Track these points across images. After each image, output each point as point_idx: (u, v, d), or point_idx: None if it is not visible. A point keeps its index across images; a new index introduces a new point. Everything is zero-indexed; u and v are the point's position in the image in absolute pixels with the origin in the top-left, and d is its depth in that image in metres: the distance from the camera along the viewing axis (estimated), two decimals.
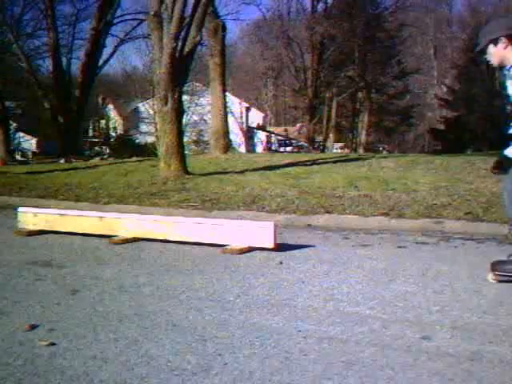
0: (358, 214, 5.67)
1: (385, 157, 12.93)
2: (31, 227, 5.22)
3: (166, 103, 8.87)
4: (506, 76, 3.16)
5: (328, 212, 5.86)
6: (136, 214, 5.47)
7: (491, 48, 3.20)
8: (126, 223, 4.88)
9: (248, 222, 4.73)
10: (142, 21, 22.79)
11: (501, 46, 3.13)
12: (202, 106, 28.65)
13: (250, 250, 4.28)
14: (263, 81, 43.67)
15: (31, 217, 5.28)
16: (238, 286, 3.31)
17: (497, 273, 3.24)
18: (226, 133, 15.41)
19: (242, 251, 4.25)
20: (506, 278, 3.18)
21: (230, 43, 27.97)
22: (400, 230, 5.14)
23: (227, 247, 4.32)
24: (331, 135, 35.53)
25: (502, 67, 3.23)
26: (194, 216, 5.67)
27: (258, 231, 4.30)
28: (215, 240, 4.47)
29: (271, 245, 4.22)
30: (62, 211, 5.42)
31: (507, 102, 3.22)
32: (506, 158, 3.19)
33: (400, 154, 21.93)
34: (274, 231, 4.23)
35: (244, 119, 36.91)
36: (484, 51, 3.24)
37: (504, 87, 3.19)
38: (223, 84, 15.28)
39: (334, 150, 33.57)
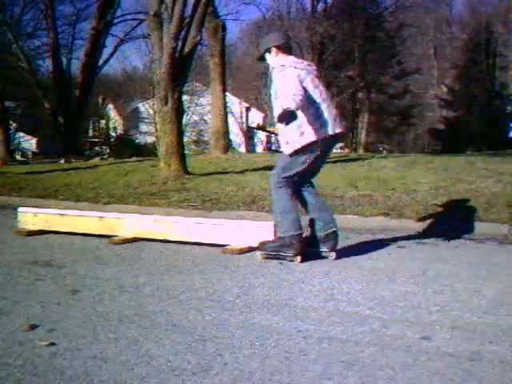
0: (358, 214, 5.67)
1: (385, 157, 12.93)
2: (31, 227, 5.22)
3: (166, 103, 8.86)
4: (272, 72, 4.08)
5: None
6: (136, 213, 5.47)
7: (267, 56, 4.15)
8: (126, 223, 4.88)
9: (248, 221, 4.73)
10: (141, 21, 22.78)
11: (273, 53, 4.10)
12: (201, 106, 28.66)
13: (250, 250, 4.28)
14: (263, 81, 43.63)
15: (31, 217, 5.28)
16: (238, 285, 3.31)
17: (262, 252, 4.06)
18: (226, 133, 15.41)
19: (242, 251, 4.25)
20: (266, 255, 4.02)
21: (230, 43, 27.97)
22: (400, 230, 5.14)
23: (227, 247, 4.32)
24: None
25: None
26: (194, 216, 5.66)
27: (258, 231, 4.30)
28: (215, 240, 4.47)
29: None
30: (62, 211, 5.42)
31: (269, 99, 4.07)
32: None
33: (400, 153, 21.93)
34: (275, 231, 4.23)
35: (244, 119, 36.90)
36: (263, 58, 4.19)
37: (269, 85, 4.10)
38: (223, 84, 15.28)
39: (334, 150, 33.54)
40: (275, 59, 4.06)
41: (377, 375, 2.04)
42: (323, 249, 4.04)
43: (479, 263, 3.89)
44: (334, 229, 4.02)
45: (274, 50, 4.08)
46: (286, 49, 4.11)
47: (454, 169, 8.26)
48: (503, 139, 29.89)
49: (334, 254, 4.03)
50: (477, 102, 34.44)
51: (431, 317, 2.71)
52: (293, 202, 3.97)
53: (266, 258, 4.01)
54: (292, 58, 4.09)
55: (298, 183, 4.01)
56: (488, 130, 31.69)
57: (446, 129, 36.12)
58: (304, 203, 4.08)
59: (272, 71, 4.05)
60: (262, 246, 4.06)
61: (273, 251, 4.00)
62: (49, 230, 5.16)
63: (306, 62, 4.14)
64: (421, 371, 2.07)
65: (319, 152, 3.94)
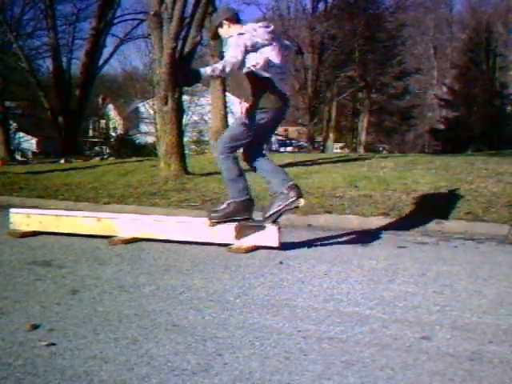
0: (358, 214, 5.67)
1: (385, 157, 12.91)
2: (24, 228, 5.07)
3: (166, 103, 8.86)
4: (227, 41, 4.23)
5: (328, 212, 5.86)
6: (136, 214, 5.46)
7: (220, 31, 4.35)
8: (125, 223, 4.86)
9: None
10: (142, 21, 22.80)
11: (225, 26, 4.29)
12: (201, 106, 28.61)
13: (256, 248, 4.28)
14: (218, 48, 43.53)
15: (24, 218, 5.10)
16: (238, 285, 3.31)
17: (213, 220, 4.40)
18: None
19: (248, 250, 4.25)
20: (217, 222, 4.39)
21: None
22: (400, 230, 5.14)
23: (232, 246, 4.31)
24: (331, 135, 35.48)
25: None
26: (194, 216, 5.66)
27: (262, 230, 4.29)
28: (216, 240, 4.47)
29: (276, 243, 4.22)
30: (57, 212, 5.35)
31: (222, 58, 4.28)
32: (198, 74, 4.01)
33: (400, 154, 21.92)
34: (278, 230, 4.23)
35: None
36: (217, 35, 4.38)
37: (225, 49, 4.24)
38: (223, 84, 15.27)
39: (334, 150, 33.53)
40: (229, 30, 4.25)
41: (377, 375, 2.04)
42: (291, 199, 4.20)
43: (479, 263, 3.89)
44: (293, 182, 4.28)
45: (225, 23, 4.29)
46: (236, 20, 4.32)
47: (454, 169, 8.25)
48: (503, 139, 29.88)
49: (302, 200, 4.23)
50: (477, 102, 34.48)
51: (431, 317, 2.71)
52: (239, 170, 4.39)
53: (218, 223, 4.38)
54: (251, 25, 4.25)
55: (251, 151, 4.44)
56: (488, 130, 31.70)
57: (446, 129, 36.15)
58: (259, 170, 4.43)
59: (230, 39, 4.19)
60: (212, 214, 4.41)
61: (224, 218, 4.34)
62: (43, 231, 5.05)
63: (264, 29, 4.16)
64: (421, 371, 2.07)
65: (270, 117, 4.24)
